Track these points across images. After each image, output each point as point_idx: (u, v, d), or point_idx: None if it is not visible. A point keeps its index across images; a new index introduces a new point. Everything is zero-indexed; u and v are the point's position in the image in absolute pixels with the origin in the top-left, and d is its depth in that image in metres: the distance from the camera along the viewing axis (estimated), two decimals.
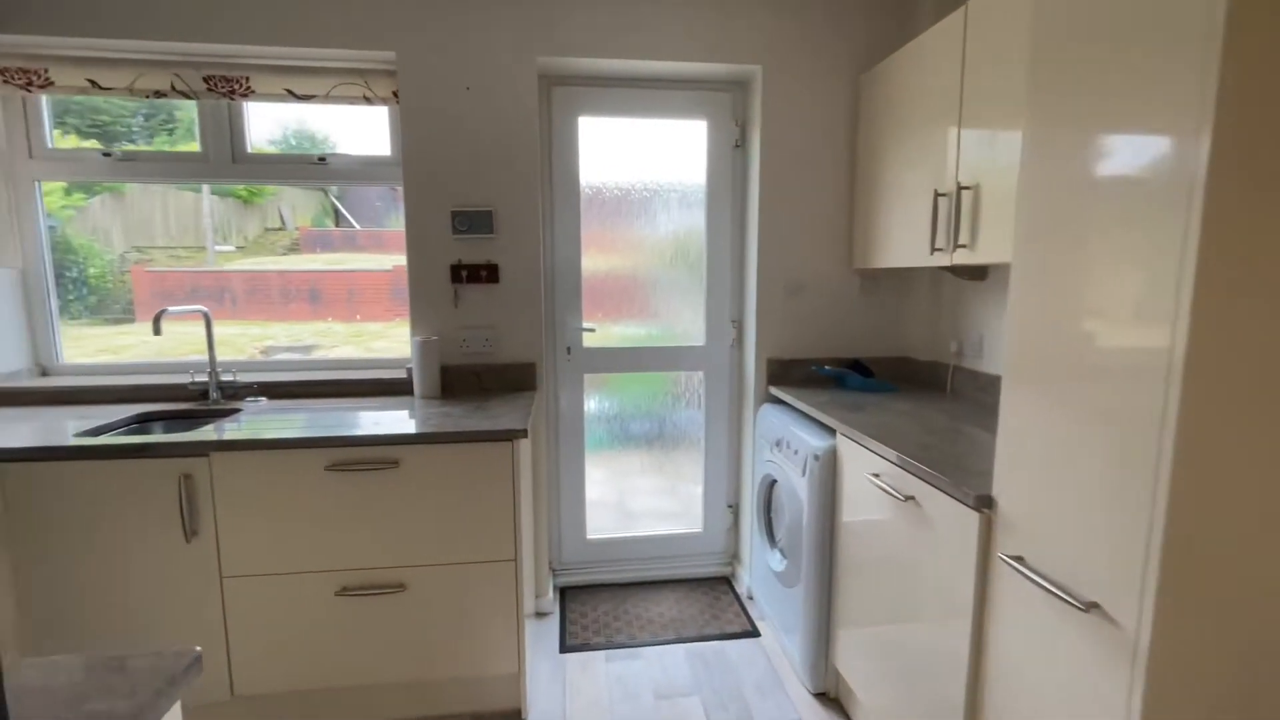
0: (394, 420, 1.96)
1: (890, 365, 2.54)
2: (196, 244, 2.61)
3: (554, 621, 2.43)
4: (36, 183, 2.29)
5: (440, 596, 1.85)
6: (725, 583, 2.73)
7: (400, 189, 2.32)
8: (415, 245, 2.29)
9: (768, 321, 2.47)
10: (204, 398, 2.21)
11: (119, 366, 2.43)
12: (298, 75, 2.24)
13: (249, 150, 2.37)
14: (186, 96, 2.22)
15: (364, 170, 2.41)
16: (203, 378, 2.22)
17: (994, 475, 1.21)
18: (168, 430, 2.08)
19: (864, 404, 2.09)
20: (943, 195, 1.81)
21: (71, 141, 2.36)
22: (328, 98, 2.26)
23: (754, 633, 2.35)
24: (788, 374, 2.48)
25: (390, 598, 1.82)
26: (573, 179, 2.52)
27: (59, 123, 2.36)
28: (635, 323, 2.69)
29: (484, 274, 2.32)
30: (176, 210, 2.60)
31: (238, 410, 2.11)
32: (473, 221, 2.28)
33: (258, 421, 1.94)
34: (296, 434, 1.78)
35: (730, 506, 2.77)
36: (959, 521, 1.29)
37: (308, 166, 2.39)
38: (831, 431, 1.96)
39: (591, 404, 2.69)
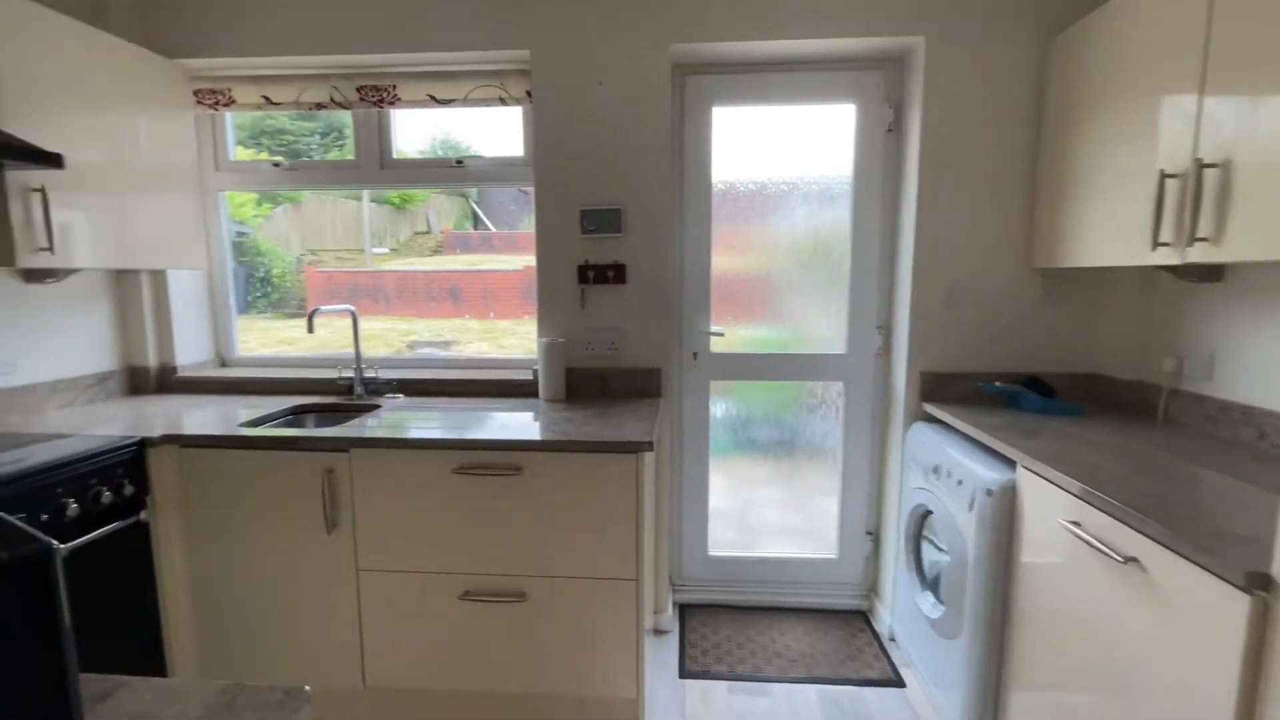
0: (519, 424, 1.93)
1: (1076, 383, 2.14)
2: (357, 247, 2.84)
3: (673, 641, 2.30)
4: (221, 193, 2.53)
5: (559, 610, 1.78)
6: (862, 618, 2.45)
7: (531, 191, 2.31)
8: (544, 245, 2.26)
9: (923, 329, 2.17)
10: (350, 392, 2.33)
11: (282, 359, 2.63)
12: (439, 80, 2.29)
13: (394, 156, 2.48)
14: (343, 107, 2.35)
15: (498, 171, 2.43)
16: (349, 374, 2.33)
17: (1278, 546, 0.90)
18: (318, 423, 2.21)
19: (1044, 429, 1.76)
20: (1172, 177, 1.45)
21: (261, 156, 2.60)
22: (466, 101, 2.29)
23: (898, 681, 2.08)
24: (946, 390, 2.17)
25: (511, 606, 1.79)
26: (704, 174, 2.37)
27: (254, 143, 2.62)
28: (768, 327, 2.49)
29: (611, 274, 2.24)
30: (342, 217, 2.88)
31: (378, 406, 2.19)
32: (601, 220, 2.21)
33: (394, 420, 1.99)
34: (427, 435, 1.80)
35: (870, 534, 2.49)
36: (1214, 601, 0.99)
37: (446, 170, 2.44)
38: (1009, 463, 1.65)
39: (717, 409, 2.53)
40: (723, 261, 2.44)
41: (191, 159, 2.35)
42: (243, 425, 1.93)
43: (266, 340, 2.73)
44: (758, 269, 2.45)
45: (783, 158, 2.38)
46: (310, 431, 1.85)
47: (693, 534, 2.56)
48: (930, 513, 1.96)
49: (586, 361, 2.29)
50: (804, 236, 2.42)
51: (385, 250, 2.93)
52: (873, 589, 2.51)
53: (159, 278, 2.39)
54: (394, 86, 2.31)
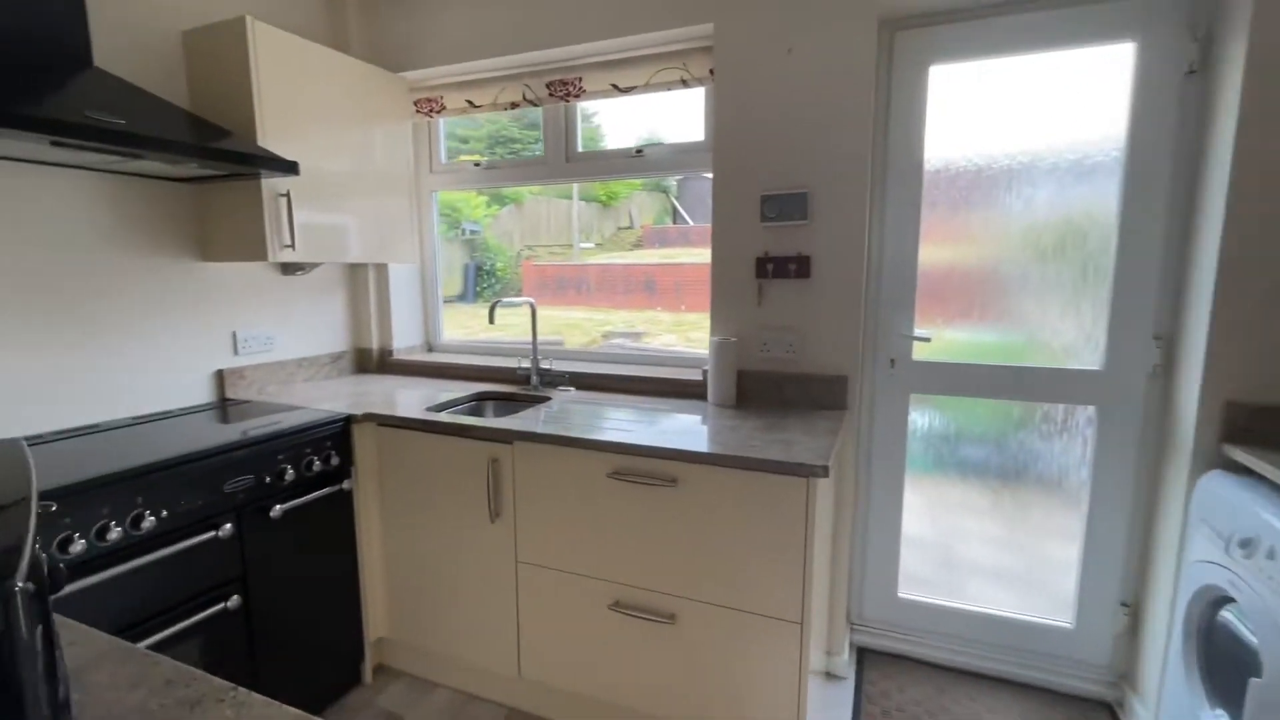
0: (679, 430, 1.78)
1: None
2: (567, 242, 3.00)
3: (847, 691, 2.00)
4: (433, 193, 2.78)
5: (712, 641, 1.61)
6: (1106, 712, 1.90)
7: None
8: (720, 235, 2.08)
9: (1232, 342, 1.58)
10: (527, 382, 2.40)
11: (478, 346, 2.82)
12: (621, 68, 2.23)
13: (579, 150, 2.49)
14: (534, 104, 2.41)
15: (677, 158, 2.31)
16: (528, 364, 2.40)
17: None
18: (496, 411, 2.31)
19: None
20: None
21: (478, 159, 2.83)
22: (647, 86, 2.20)
23: None
24: (1268, 429, 1.55)
25: (660, 627, 1.66)
26: (914, 149, 1.99)
27: (490, 152, 2.86)
28: (990, 331, 2.03)
29: (793, 267, 1.99)
30: (555, 215, 3.10)
31: (548, 399, 2.21)
32: (783, 207, 1.97)
33: (558, 414, 1.98)
34: (583, 434, 1.74)
35: (1126, 606, 1.91)
36: None
37: (626, 160, 2.39)
38: None
39: (915, 420, 2.12)
40: (932, 253, 2.04)
41: (410, 163, 2.59)
42: (430, 409, 2.07)
43: (486, 325, 3.03)
44: (978, 262, 2.01)
45: (1018, 123, 1.90)
46: (478, 420, 1.91)
47: (879, 568, 2.21)
48: (1230, 600, 1.41)
49: (761, 364, 2.07)
50: (1046, 220, 1.91)
51: (591, 245, 3.06)
52: (1125, 678, 1.93)
53: (381, 271, 2.69)
54: (579, 79, 2.30)
